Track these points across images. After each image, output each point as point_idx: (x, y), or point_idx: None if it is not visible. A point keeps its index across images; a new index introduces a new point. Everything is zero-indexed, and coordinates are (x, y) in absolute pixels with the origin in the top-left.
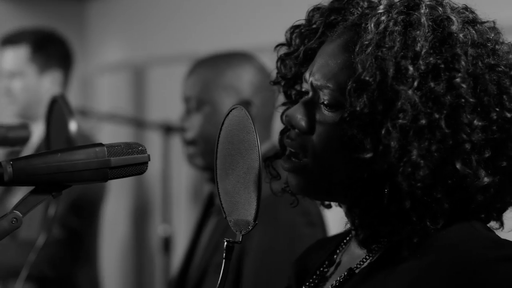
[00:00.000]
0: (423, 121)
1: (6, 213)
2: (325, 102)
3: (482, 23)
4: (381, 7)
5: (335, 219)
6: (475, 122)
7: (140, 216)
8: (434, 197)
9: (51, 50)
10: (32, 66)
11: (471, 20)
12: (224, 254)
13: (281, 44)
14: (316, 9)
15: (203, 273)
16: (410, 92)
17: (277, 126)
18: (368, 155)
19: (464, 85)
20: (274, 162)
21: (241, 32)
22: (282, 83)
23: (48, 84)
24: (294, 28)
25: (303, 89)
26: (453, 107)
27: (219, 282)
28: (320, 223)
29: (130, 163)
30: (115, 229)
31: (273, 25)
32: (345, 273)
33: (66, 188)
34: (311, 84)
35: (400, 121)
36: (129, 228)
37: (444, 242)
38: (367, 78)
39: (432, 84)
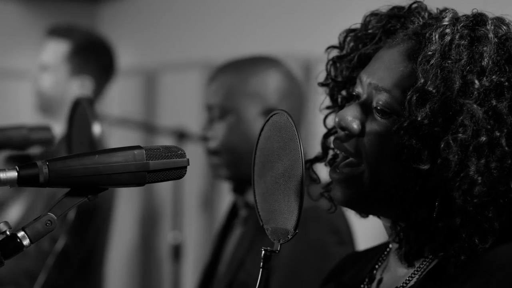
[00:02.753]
0: (484, 138)
1: (40, 215)
2: (378, 108)
3: None
4: (446, 19)
5: (364, 236)
6: None
7: (150, 222)
8: (486, 215)
9: (90, 56)
10: (67, 65)
11: None
12: (261, 263)
13: (333, 47)
14: (374, 14)
15: None
16: (475, 106)
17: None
18: (425, 167)
19: None
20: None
21: (254, 38)
22: (330, 86)
23: (75, 89)
24: (349, 31)
25: (354, 93)
26: None
27: None
28: (350, 242)
29: (169, 167)
30: (124, 235)
31: (287, 31)
32: None
33: (102, 191)
34: (368, 84)
35: (460, 135)
36: (138, 235)
37: (493, 262)
38: (430, 89)
39: (494, 102)
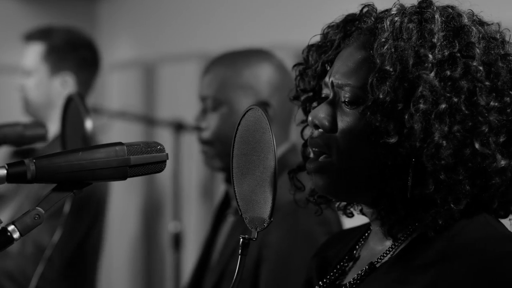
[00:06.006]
0: (443, 105)
1: (29, 209)
2: (346, 100)
3: (488, 24)
4: (394, 9)
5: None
6: (492, 103)
7: (151, 213)
8: (456, 178)
9: (66, 53)
10: (45, 66)
11: (478, 21)
12: (239, 250)
13: (299, 64)
14: (330, 26)
15: (219, 279)
16: (431, 76)
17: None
18: (393, 140)
19: (480, 68)
20: (298, 174)
21: (249, 28)
22: (302, 99)
23: (58, 87)
24: (310, 47)
25: (323, 95)
26: (470, 91)
27: (234, 277)
28: None
29: (149, 161)
30: (125, 225)
31: (284, 23)
32: (366, 267)
33: (87, 186)
34: (332, 84)
35: (421, 105)
36: (139, 225)
37: (461, 239)
38: (387, 68)
39: (448, 72)
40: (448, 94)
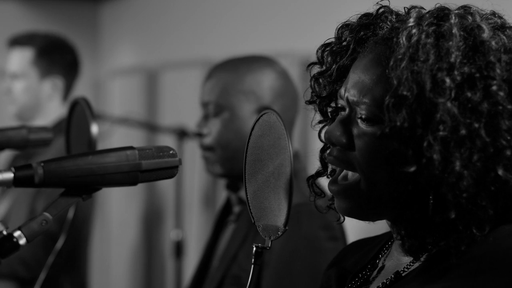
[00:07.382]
0: (463, 132)
1: (36, 215)
2: (362, 117)
3: (511, 28)
4: (411, 20)
5: (355, 231)
6: None
7: (152, 220)
8: (479, 205)
9: (55, 57)
10: (35, 70)
11: (500, 26)
12: (252, 260)
13: (313, 63)
14: (345, 26)
15: (219, 285)
16: (448, 104)
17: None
18: (412, 169)
19: (500, 93)
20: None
21: (253, 36)
22: (317, 102)
23: (48, 90)
24: (325, 46)
25: (339, 105)
26: (491, 115)
27: (247, 286)
28: (342, 237)
29: (160, 166)
30: (127, 233)
31: (288, 31)
32: (392, 276)
33: (96, 191)
34: (347, 100)
35: (440, 133)
36: (141, 233)
37: (492, 247)
38: (404, 93)
39: (468, 94)
40: (468, 120)
